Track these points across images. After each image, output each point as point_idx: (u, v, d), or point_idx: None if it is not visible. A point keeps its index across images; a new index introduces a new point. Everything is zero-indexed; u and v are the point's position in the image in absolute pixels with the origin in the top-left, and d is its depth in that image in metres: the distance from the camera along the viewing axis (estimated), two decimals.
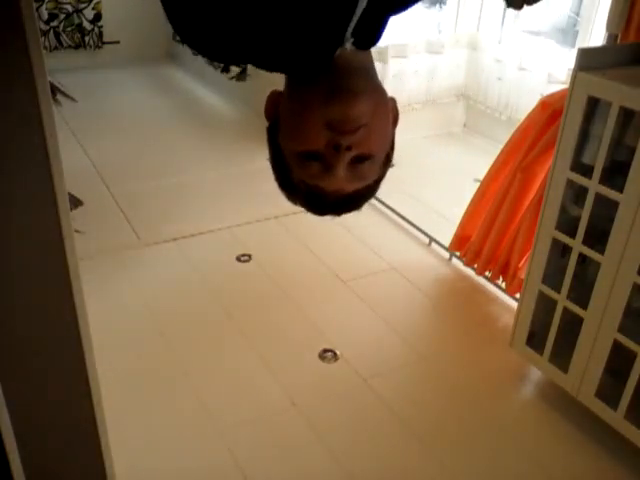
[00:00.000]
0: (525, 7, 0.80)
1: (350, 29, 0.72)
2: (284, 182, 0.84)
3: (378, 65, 3.68)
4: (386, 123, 0.79)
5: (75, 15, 4.73)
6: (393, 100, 0.83)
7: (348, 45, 0.75)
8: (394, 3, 0.77)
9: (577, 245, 1.79)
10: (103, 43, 4.90)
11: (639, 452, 1.80)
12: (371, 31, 0.77)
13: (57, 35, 4.73)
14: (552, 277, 1.91)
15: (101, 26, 4.82)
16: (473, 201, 2.57)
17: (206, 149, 3.80)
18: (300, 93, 0.76)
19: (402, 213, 3.07)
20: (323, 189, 0.78)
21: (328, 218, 0.87)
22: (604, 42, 1.96)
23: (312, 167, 0.76)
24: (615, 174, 1.69)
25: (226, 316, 2.39)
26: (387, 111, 0.79)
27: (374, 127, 0.76)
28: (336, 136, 0.73)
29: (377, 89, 0.78)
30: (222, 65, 4.20)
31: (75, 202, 2.72)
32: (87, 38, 4.82)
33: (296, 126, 0.77)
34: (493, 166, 2.46)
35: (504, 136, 2.45)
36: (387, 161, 0.84)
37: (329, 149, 0.74)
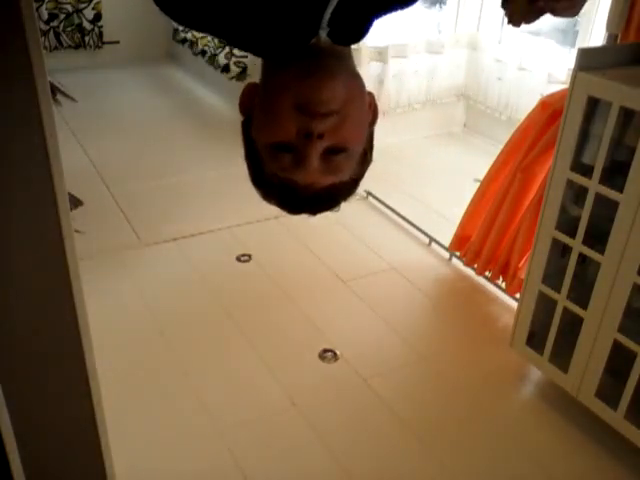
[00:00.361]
0: (524, 25, 0.79)
1: (326, 17, 0.72)
2: (258, 179, 0.82)
3: (378, 65, 3.68)
4: (362, 114, 0.77)
5: (75, 15, 4.72)
6: (371, 95, 0.81)
7: (323, 34, 0.74)
8: (373, 2, 0.76)
9: (577, 245, 1.79)
10: (103, 43, 4.89)
11: (639, 452, 1.80)
12: (349, 26, 0.76)
13: (57, 35, 4.73)
14: (552, 277, 1.91)
15: (101, 26, 4.82)
16: (473, 201, 2.57)
17: (206, 149, 3.80)
18: (273, 78, 0.75)
19: (402, 213, 3.07)
20: (296, 182, 0.75)
21: (305, 217, 0.84)
22: (604, 42, 1.96)
23: (284, 159, 0.74)
24: (615, 174, 1.69)
25: (226, 316, 2.39)
26: (363, 103, 0.77)
27: (348, 116, 0.73)
28: (307, 121, 0.71)
29: (353, 77, 0.76)
30: (222, 65, 4.20)
31: (75, 202, 2.71)
32: (87, 38, 4.82)
33: (267, 113, 0.75)
34: (493, 166, 2.46)
35: (504, 136, 2.45)
36: (365, 159, 0.81)
37: (300, 138, 0.72)
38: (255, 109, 0.78)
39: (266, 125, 0.75)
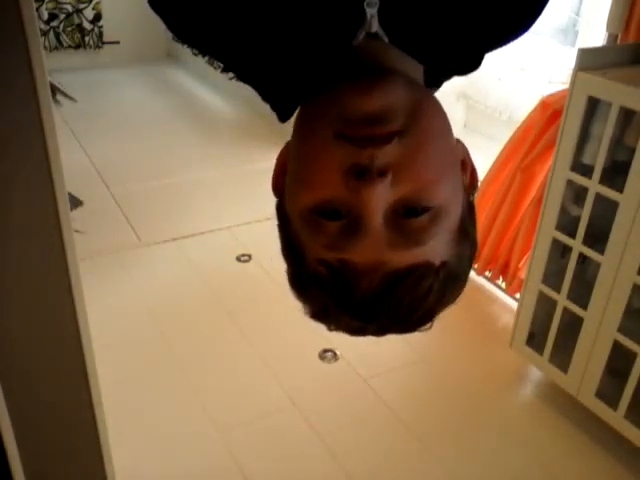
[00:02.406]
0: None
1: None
2: (297, 273, 0.56)
3: None
4: (445, 147, 0.51)
5: (75, 15, 4.73)
6: (464, 149, 0.57)
7: (375, 25, 0.51)
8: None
9: (577, 245, 1.79)
10: (103, 43, 4.89)
11: (639, 452, 1.79)
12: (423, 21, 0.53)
13: (57, 35, 4.73)
14: (552, 277, 1.91)
15: (101, 26, 4.82)
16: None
17: (206, 149, 3.80)
18: (304, 116, 0.54)
19: None
20: (352, 263, 0.49)
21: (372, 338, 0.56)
22: (604, 42, 1.96)
23: (331, 229, 0.49)
24: (615, 174, 1.69)
25: (226, 316, 2.39)
26: (445, 133, 0.52)
27: (422, 141, 0.48)
28: (355, 151, 0.47)
29: (420, 89, 0.54)
30: (222, 65, 4.20)
31: (75, 202, 2.71)
32: (87, 38, 4.82)
33: (300, 166, 0.52)
34: (493, 166, 2.46)
35: (504, 136, 2.45)
36: (465, 235, 0.54)
37: (351, 184, 0.47)
38: (287, 174, 0.55)
39: (300, 183, 0.51)
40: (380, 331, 0.54)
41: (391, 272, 0.49)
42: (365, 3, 0.50)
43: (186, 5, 0.54)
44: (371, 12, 0.50)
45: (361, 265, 0.49)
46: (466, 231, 0.54)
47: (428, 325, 0.57)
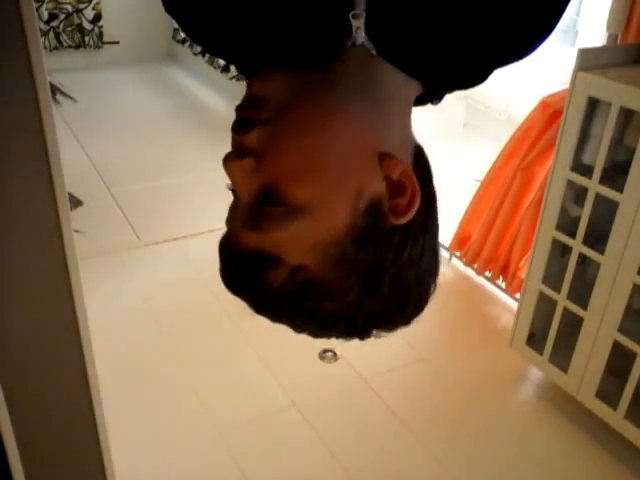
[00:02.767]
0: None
1: (359, 5, 0.51)
2: None
3: None
4: (324, 158, 0.50)
5: (75, 15, 4.72)
6: (400, 164, 0.52)
7: (360, 34, 0.51)
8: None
9: (577, 245, 1.79)
10: (103, 43, 4.89)
11: (639, 452, 1.79)
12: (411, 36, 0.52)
13: (57, 35, 4.73)
14: (552, 277, 1.91)
15: (101, 26, 4.82)
16: (473, 201, 2.57)
17: (206, 149, 3.80)
18: None
19: None
20: (227, 232, 0.54)
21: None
22: (604, 42, 1.96)
23: (233, 201, 0.54)
24: (615, 174, 1.69)
25: (226, 316, 2.39)
26: (331, 141, 0.50)
27: (284, 135, 0.50)
28: (233, 130, 0.53)
29: (309, 93, 0.51)
30: (222, 65, 4.20)
31: (75, 202, 2.72)
32: (87, 38, 4.82)
33: None
34: (493, 166, 2.46)
35: (504, 136, 2.45)
36: (345, 257, 0.51)
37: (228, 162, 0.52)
38: None
39: None
40: (263, 312, 0.57)
41: (241, 249, 0.51)
42: (350, 15, 0.50)
43: (196, 10, 0.57)
44: (357, 24, 0.51)
45: (230, 235, 0.53)
46: (349, 252, 0.51)
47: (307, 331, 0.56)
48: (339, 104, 0.51)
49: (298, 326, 0.56)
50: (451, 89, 0.60)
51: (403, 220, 0.52)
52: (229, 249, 0.53)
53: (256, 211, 0.50)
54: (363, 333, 0.57)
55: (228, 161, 0.51)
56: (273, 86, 0.51)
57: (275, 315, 0.56)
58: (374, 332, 0.57)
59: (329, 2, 0.52)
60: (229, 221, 0.53)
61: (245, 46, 0.57)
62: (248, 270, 0.52)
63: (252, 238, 0.51)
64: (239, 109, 0.52)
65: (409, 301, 0.57)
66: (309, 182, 0.49)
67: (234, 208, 0.53)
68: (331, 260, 0.51)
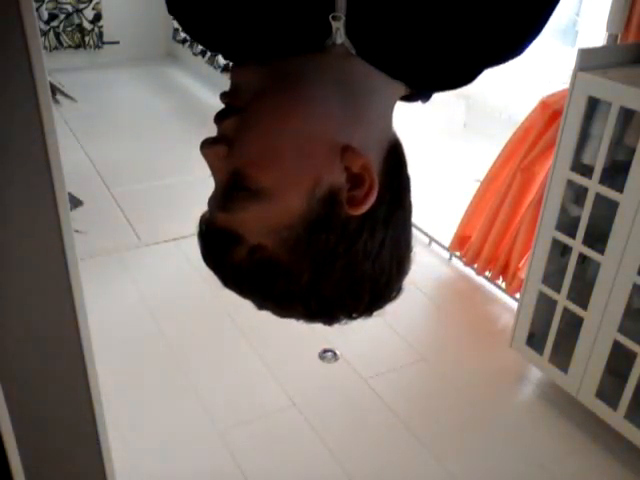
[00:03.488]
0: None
1: (339, 7, 0.52)
2: None
3: None
4: (285, 147, 0.53)
5: (75, 15, 4.72)
6: (361, 158, 0.54)
7: (339, 34, 0.53)
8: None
9: (577, 245, 1.79)
10: (103, 43, 4.89)
11: (639, 452, 1.79)
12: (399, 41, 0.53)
13: (57, 35, 4.73)
14: (552, 277, 1.91)
15: (101, 26, 4.82)
16: (473, 201, 2.57)
17: None
18: None
19: None
20: (206, 211, 0.60)
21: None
22: (604, 42, 1.96)
23: None
24: (615, 174, 1.69)
25: (226, 316, 2.39)
26: (292, 133, 0.53)
27: (250, 124, 0.53)
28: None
29: (280, 85, 0.54)
30: (222, 65, 4.20)
31: (75, 202, 2.72)
32: (87, 38, 4.82)
33: None
34: (493, 166, 2.46)
35: (504, 136, 2.45)
36: (295, 243, 0.54)
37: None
38: None
39: None
40: (229, 286, 0.62)
41: (212, 226, 0.58)
42: (330, 16, 0.52)
43: (193, 7, 0.61)
44: (336, 25, 0.52)
45: (205, 213, 0.59)
46: (302, 236, 0.54)
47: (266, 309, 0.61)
48: (305, 97, 0.53)
49: (259, 303, 0.60)
50: (436, 90, 0.61)
51: (358, 211, 0.54)
52: (204, 225, 0.59)
53: (225, 193, 0.55)
54: (323, 317, 0.61)
55: (203, 147, 0.56)
56: (249, 76, 0.54)
57: (238, 289, 0.60)
58: (337, 318, 0.61)
59: (312, 3, 0.53)
60: (208, 200, 0.58)
61: (232, 39, 0.60)
62: (216, 245, 0.58)
63: (221, 218, 0.56)
64: (221, 97, 0.56)
65: (364, 291, 0.58)
66: (269, 168, 0.53)
67: (214, 188, 0.57)
68: (286, 243, 0.54)
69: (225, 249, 0.57)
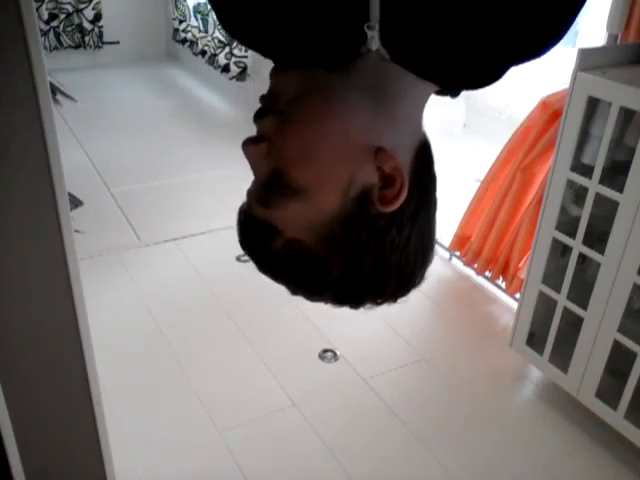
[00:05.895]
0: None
1: (373, 17, 0.55)
2: None
3: None
4: (322, 149, 0.56)
5: (75, 15, 4.72)
6: (391, 159, 0.57)
7: (374, 42, 0.56)
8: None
9: (577, 245, 1.79)
10: (103, 43, 4.89)
11: (639, 452, 1.79)
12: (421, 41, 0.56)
13: (57, 35, 4.73)
14: (552, 277, 1.91)
15: (101, 26, 4.82)
16: (473, 201, 2.57)
17: (206, 149, 3.80)
18: None
19: None
20: (245, 200, 0.63)
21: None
22: (604, 42, 1.96)
23: None
24: (615, 174, 1.69)
25: (226, 316, 2.39)
26: (328, 134, 0.56)
27: (290, 126, 0.56)
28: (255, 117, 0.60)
29: (317, 90, 0.57)
30: (222, 65, 4.20)
31: (75, 202, 2.71)
32: (87, 38, 4.82)
33: None
34: (493, 166, 2.46)
35: (504, 136, 2.45)
36: (333, 234, 0.58)
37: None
38: None
39: None
40: (264, 272, 0.64)
41: (252, 219, 0.60)
42: (365, 26, 0.55)
43: (240, 17, 0.64)
44: (371, 34, 0.56)
45: (244, 203, 0.62)
46: (336, 232, 0.57)
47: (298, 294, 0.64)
48: (341, 100, 0.57)
49: (292, 289, 0.63)
50: (465, 88, 0.65)
51: (388, 209, 0.58)
52: (243, 215, 0.62)
53: (266, 190, 0.58)
54: (350, 302, 0.64)
55: (245, 144, 0.58)
56: (289, 81, 0.58)
57: (273, 275, 0.63)
58: (363, 303, 0.64)
59: (347, 13, 0.56)
60: (248, 192, 0.62)
61: (276, 47, 0.63)
62: (254, 235, 0.61)
63: (260, 211, 0.59)
64: (260, 99, 0.59)
65: (390, 280, 0.62)
66: (307, 168, 0.56)
67: (253, 182, 0.61)
68: (320, 237, 0.58)
69: (263, 239, 0.60)
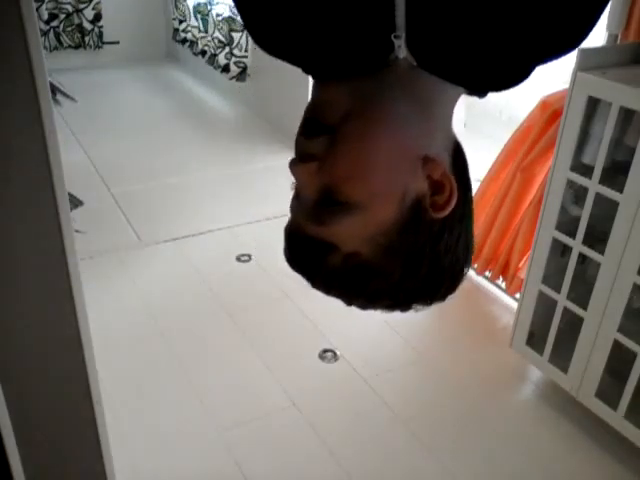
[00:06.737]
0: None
1: (399, 26, 0.57)
2: None
3: None
4: (377, 162, 0.57)
5: (75, 15, 4.73)
6: (439, 165, 0.60)
7: (401, 50, 0.58)
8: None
9: (577, 245, 1.79)
10: (103, 43, 4.89)
11: (639, 452, 1.79)
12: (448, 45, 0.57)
13: (57, 35, 4.73)
14: (552, 277, 1.91)
15: (101, 26, 4.82)
16: (473, 201, 2.57)
17: (206, 149, 3.80)
18: None
19: None
20: (290, 221, 0.64)
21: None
22: (604, 42, 1.96)
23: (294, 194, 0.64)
24: (615, 174, 1.69)
25: (226, 316, 2.39)
26: (383, 148, 0.58)
27: (347, 141, 0.57)
28: (299, 134, 0.60)
29: (371, 103, 0.58)
30: (222, 65, 4.20)
31: (75, 202, 2.71)
32: (87, 38, 4.82)
33: None
34: (493, 166, 2.46)
35: (504, 136, 2.45)
36: (392, 244, 0.60)
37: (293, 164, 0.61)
38: None
39: None
40: (318, 287, 0.64)
41: (304, 237, 0.60)
42: (392, 35, 0.57)
43: (275, 33, 0.65)
44: (398, 43, 0.58)
45: (292, 224, 0.62)
46: (395, 240, 0.59)
47: (354, 304, 0.66)
48: (392, 114, 0.58)
49: (348, 300, 0.65)
50: (493, 90, 0.65)
51: (442, 215, 0.60)
52: (294, 234, 0.63)
53: (319, 208, 0.59)
54: (404, 307, 0.66)
55: (295, 165, 0.59)
56: (333, 95, 0.58)
57: (327, 290, 0.64)
58: (416, 306, 0.66)
59: (374, 24, 0.58)
60: (293, 210, 0.62)
61: (310, 59, 0.65)
62: (310, 253, 0.61)
63: (315, 230, 0.60)
64: (308, 112, 0.60)
65: (444, 281, 0.65)
66: (362, 184, 0.57)
67: (296, 200, 0.62)
68: (379, 248, 0.59)
69: (319, 257, 0.61)
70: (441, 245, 0.62)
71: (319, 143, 0.58)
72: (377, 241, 0.59)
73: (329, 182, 0.57)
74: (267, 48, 0.67)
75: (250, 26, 0.68)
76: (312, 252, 0.61)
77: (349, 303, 0.65)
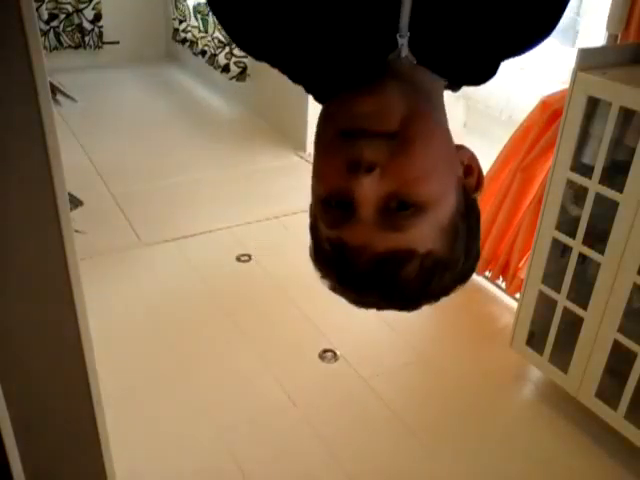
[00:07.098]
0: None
1: (403, 26, 0.60)
2: (314, 249, 0.65)
3: None
4: (436, 151, 0.59)
5: (75, 15, 4.72)
6: (467, 151, 0.65)
7: (404, 49, 0.61)
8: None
9: (577, 245, 1.79)
10: (103, 43, 4.89)
11: (639, 452, 1.79)
12: (444, 43, 0.62)
13: (57, 35, 4.73)
14: (552, 277, 1.91)
15: (101, 26, 4.82)
16: None
17: (206, 149, 3.80)
18: (322, 116, 0.63)
19: None
20: (345, 243, 0.58)
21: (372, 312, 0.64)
22: (604, 42, 1.96)
23: (335, 213, 0.59)
24: (615, 174, 1.69)
25: (226, 316, 2.39)
26: (437, 137, 0.60)
27: (412, 144, 0.57)
28: (352, 145, 0.56)
29: (421, 99, 0.60)
30: (222, 65, 4.20)
31: (75, 202, 2.71)
32: (87, 38, 4.82)
33: (315, 162, 0.62)
34: (493, 166, 2.46)
35: (504, 136, 2.45)
36: (456, 233, 0.61)
37: (347, 176, 0.56)
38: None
39: (315, 177, 0.61)
40: (375, 305, 0.63)
41: (377, 254, 0.57)
42: (397, 35, 0.60)
43: (252, 24, 0.65)
44: (402, 42, 0.61)
45: (352, 245, 0.58)
46: (459, 225, 0.62)
47: (421, 307, 0.66)
48: (438, 112, 0.63)
49: (413, 306, 0.65)
50: (469, 84, 0.70)
51: (479, 193, 0.65)
52: (355, 256, 0.58)
53: (389, 216, 0.57)
54: (447, 294, 0.67)
55: (358, 178, 0.56)
56: (387, 100, 0.58)
57: (404, 306, 0.65)
58: (451, 294, 0.67)
59: (380, 27, 0.61)
60: (347, 234, 0.58)
61: (321, 67, 0.66)
62: (383, 271, 0.58)
63: (390, 239, 0.58)
64: (360, 120, 0.57)
65: (476, 261, 0.70)
66: (430, 183, 0.58)
67: (341, 219, 0.58)
68: (449, 237, 0.61)
69: (396, 271, 0.59)
70: (480, 223, 0.67)
71: (379, 151, 0.56)
72: (447, 231, 0.61)
73: (397, 187, 0.57)
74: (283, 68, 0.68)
75: (254, 48, 0.68)
76: (386, 268, 0.58)
77: (413, 308, 0.65)
